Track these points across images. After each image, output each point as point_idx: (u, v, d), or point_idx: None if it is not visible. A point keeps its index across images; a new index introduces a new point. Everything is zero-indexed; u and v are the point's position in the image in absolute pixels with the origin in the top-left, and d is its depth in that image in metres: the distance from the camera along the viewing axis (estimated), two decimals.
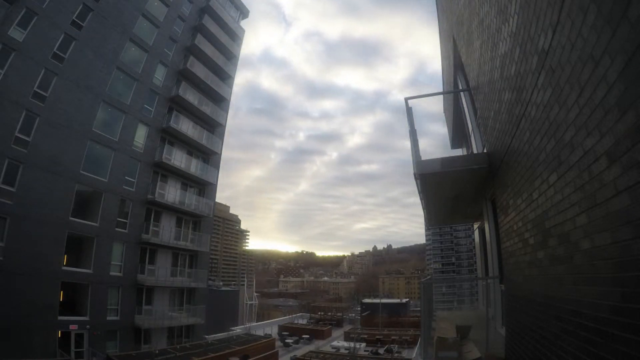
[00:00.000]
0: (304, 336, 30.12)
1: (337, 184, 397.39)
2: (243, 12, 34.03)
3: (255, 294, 56.07)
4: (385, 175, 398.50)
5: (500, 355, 4.92)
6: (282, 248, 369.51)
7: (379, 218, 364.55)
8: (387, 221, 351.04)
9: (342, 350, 24.15)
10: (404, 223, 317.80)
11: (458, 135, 11.99)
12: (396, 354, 23.90)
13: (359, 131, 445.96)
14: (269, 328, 32.92)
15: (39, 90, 17.23)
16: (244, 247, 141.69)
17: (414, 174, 5.87)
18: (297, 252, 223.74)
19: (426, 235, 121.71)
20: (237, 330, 31.19)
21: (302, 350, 25.11)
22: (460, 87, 9.12)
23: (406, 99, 6.79)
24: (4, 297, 14.69)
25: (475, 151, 7.99)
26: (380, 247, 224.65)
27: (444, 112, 14.98)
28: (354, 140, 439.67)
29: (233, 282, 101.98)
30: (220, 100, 28.88)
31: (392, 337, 28.84)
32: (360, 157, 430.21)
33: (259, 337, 26.29)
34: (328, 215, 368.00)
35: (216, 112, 28.04)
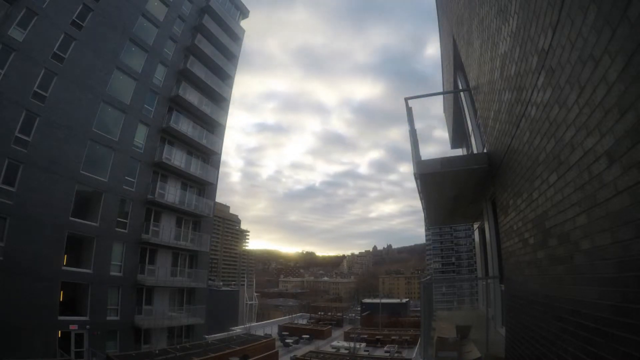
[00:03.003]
0: (304, 336, 30.16)
1: (336, 183, 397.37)
2: (243, 12, 34.04)
3: (255, 294, 56.08)
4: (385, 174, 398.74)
5: (500, 355, 4.92)
6: (282, 248, 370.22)
7: (379, 217, 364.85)
8: (387, 220, 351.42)
9: (342, 350, 24.17)
10: (404, 223, 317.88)
11: (458, 135, 11.99)
12: (396, 354, 23.92)
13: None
14: (269, 328, 32.95)
15: (39, 90, 17.22)
16: (244, 247, 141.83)
17: (414, 174, 5.86)
18: (297, 252, 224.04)
19: (426, 235, 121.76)
20: (237, 330, 31.24)
21: (302, 350, 25.14)
22: (460, 87, 9.12)
23: (406, 99, 6.77)
24: (4, 297, 14.67)
25: (475, 151, 7.99)
26: (380, 247, 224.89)
27: (444, 112, 14.98)
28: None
29: (233, 282, 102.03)
30: (220, 100, 28.89)
31: (392, 337, 28.88)
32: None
33: (258, 337, 26.31)
34: (329, 216, 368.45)
35: (216, 112, 28.06)
